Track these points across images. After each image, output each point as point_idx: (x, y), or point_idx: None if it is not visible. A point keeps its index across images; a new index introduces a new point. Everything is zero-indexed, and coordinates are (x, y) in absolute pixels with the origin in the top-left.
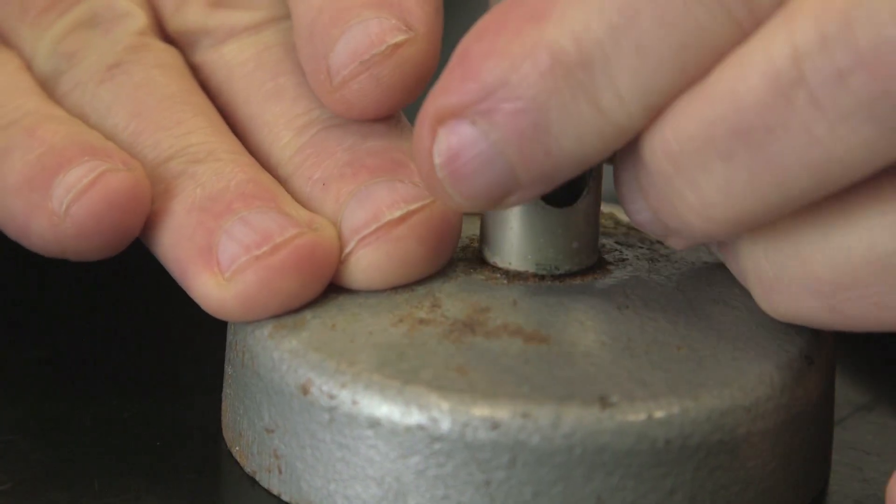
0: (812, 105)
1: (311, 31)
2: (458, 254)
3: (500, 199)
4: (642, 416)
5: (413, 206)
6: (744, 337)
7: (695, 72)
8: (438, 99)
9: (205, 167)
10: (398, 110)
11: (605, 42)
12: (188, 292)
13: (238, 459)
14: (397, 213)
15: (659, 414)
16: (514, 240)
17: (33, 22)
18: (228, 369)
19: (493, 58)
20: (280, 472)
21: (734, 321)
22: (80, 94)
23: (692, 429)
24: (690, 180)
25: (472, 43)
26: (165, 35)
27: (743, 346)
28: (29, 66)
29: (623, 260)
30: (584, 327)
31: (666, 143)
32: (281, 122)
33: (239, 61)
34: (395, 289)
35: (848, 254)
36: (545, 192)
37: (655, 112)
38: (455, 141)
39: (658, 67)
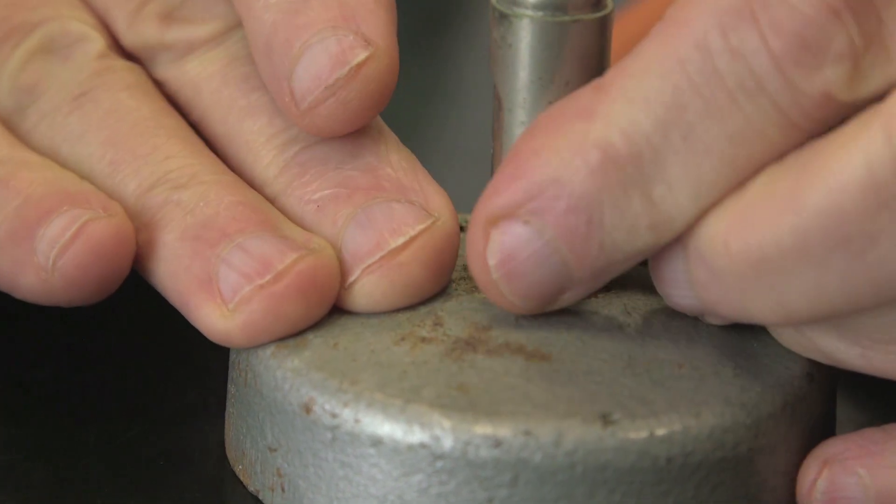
0: None
1: (269, 49)
2: (461, 272)
3: (554, 297)
4: (644, 434)
5: (415, 231)
6: (745, 354)
7: (747, 165)
8: (490, 200)
9: (189, 192)
10: (367, 123)
11: (653, 136)
12: (191, 322)
13: (241, 478)
14: (400, 241)
15: (660, 432)
16: None
17: None
18: (231, 388)
19: (542, 155)
20: (283, 490)
21: (735, 339)
22: (48, 125)
23: (694, 446)
24: (773, 286)
25: (523, 142)
26: (122, 52)
27: (744, 364)
28: None
29: (624, 277)
30: (586, 345)
31: (748, 250)
32: (260, 140)
33: (203, 77)
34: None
35: (893, 315)
36: (598, 287)
37: (707, 204)
38: (508, 241)
39: (707, 158)
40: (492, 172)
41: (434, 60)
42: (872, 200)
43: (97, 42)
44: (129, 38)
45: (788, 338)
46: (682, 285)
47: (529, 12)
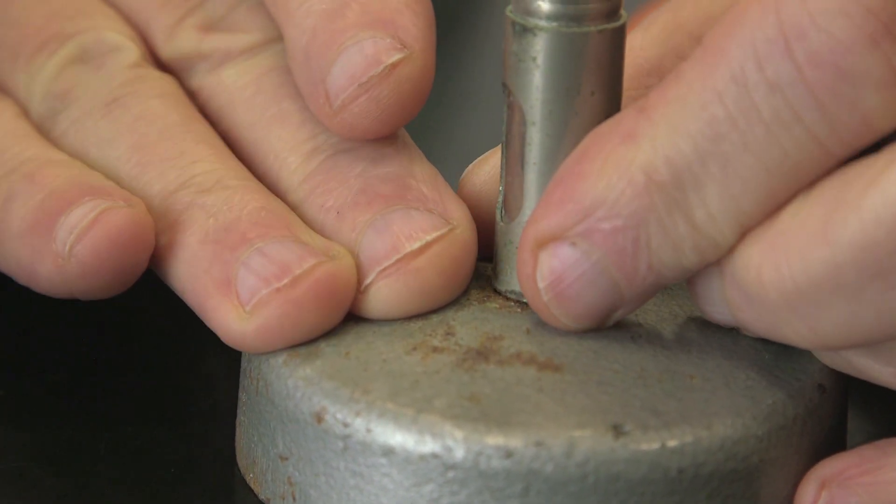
0: None
1: (307, 54)
2: (472, 282)
3: (606, 315)
4: (655, 445)
5: (431, 237)
6: (756, 366)
7: (783, 193)
8: (538, 223)
9: (214, 197)
10: (400, 127)
11: (693, 163)
12: (207, 324)
13: (252, 486)
14: (416, 245)
15: (672, 443)
16: None
17: (25, 65)
18: (243, 396)
19: (589, 179)
20: (294, 499)
21: (747, 350)
22: (78, 130)
23: (705, 458)
24: (806, 316)
25: (569, 166)
26: (159, 64)
27: (756, 375)
28: (26, 111)
29: None
30: (598, 356)
31: (781, 280)
32: (287, 147)
33: (239, 86)
34: (410, 317)
35: None
36: (646, 302)
37: (746, 229)
38: (557, 264)
39: (744, 188)
40: (502, 180)
41: (445, 63)
42: None
43: (131, 52)
44: (167, 49)
45: (822, 354)
46: (717, 302)
47: (551, 24)
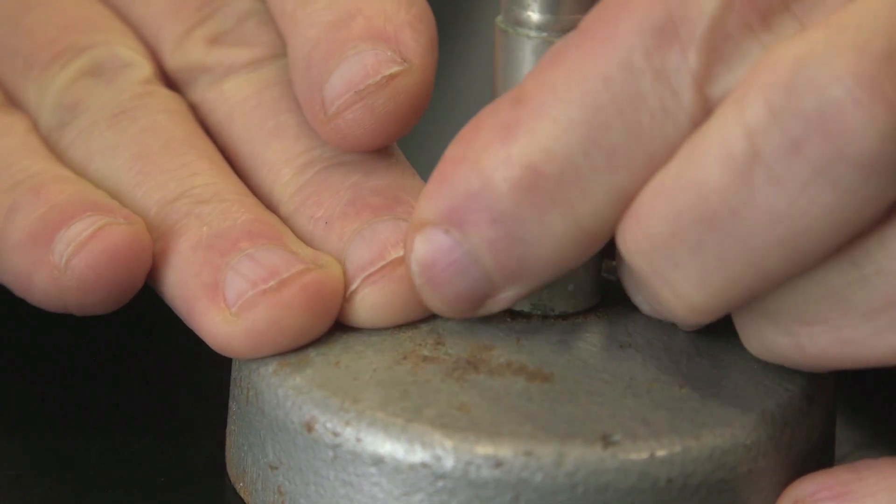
0: (770, 181)
1: (308, 63)
2: None
3: (479, 304)
4: (644, 455)
5: None
6: (745, 376)
7: (657, 168)
8: (419, 205)
9: (210, 207)
10: (392, 141)
11: (575, 155)
12: (195, 330)
13: (242, 496)
14: (402, 252)
15: (661, 453)
16: None
17: (38, 76)
18: (233, 406)
19: (464, 168)
20: None
21: (736, 360)
22: (85, 139)
23: (694, 467)
24: (665, 277)
25: (449, 151)
26: (165, 75)
27: (744, 386)
28: (35, 124)
29: (626, 298)
30: (587, 366)
31: (637, 242)
32: (282, 160)
33: (239, 99)
34: (399, 326)
35: (804, 291)
36: (527, 295)
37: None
38: (430, 249)
39: (629, 178)
40: None
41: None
42: (729, 174)
43: (143, 69)
44: (173, 60)
45: (744, 340)
46: (635, 291)
47: (540, 34)
